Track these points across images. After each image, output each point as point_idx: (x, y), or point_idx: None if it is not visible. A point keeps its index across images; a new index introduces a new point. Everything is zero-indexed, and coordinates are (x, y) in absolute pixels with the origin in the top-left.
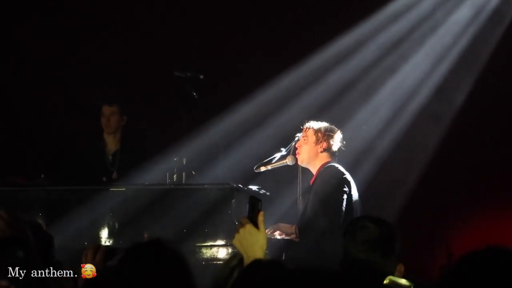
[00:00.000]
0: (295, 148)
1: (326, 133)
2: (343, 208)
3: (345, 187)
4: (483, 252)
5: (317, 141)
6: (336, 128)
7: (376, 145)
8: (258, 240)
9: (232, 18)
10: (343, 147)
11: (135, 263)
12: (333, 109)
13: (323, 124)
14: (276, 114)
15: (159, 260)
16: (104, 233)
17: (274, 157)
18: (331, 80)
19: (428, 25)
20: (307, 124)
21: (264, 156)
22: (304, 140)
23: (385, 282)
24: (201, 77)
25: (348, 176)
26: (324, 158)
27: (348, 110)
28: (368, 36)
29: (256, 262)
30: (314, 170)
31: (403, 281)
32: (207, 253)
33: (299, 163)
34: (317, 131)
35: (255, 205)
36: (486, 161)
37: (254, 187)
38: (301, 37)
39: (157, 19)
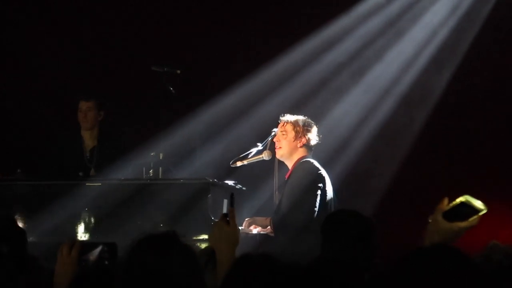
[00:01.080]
0: (272, 143)
1: (305, 127)
2: (317, 204)
3: (319, 183)
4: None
5: (297, 136)
6: (313, 122)
7: (352, 140)
8: (227, 236)
9: (209, 12)
10: (320, 141)
11: (148, 253)
12: (310, 103)
13: (300, 118)
14: (253, 110)
15: (173, 251)
16: (80, 228)
17: (251, 152)
18: (307, 75)
19: (400, 24)
20: (285, 118)
21: (240, 151)
22: (283, 134)
23: (461, 199)
24: (178, 72)
25: (323, 171)
26: (301, 152)
27: (324, 105)
28: (343, 32)
29: (245, 257)
30: (290, 164)
31: (478, 203)
32: None
33: (278, 157)
34: (295, 126)
35: (232, 201)
36: (464, 155)
37: (230, 182)
38: (278, 33)
39: (135, 13)
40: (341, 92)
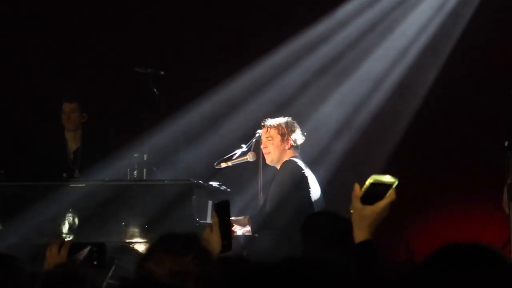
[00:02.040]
0: (257, 145)
1: (289, 129)
2: (301, 205)
3: (303, 183)
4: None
5: (283, 139)
6: (295, 122)
7: (337, 141)
8: (209, 241)
9: (193, 14)
10: (304, 138)
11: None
12: (294, 104)
13: (283, 120)
14: (237, 111)
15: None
16: (64, 229)
17: (235, 153)
18: (291, 76)
19: (384, 25)
20: (267, 123)
21: (224, 152)
22: (269, 140)
23: (370, 181)
24: (162, 73)
25: (306, 171)
26: (290, 153)
27: (308, 106)
28: (328, 33)
29: (220, 258)
30: (278, 166)
31: (387, 178)
32: None
33: (268, 163)
34: (280, 129)
35: (221, 209)
36: (445, 158)
37: (215, 183)
38: (261, 34)
39: (118, 14)
40: (326, 92)
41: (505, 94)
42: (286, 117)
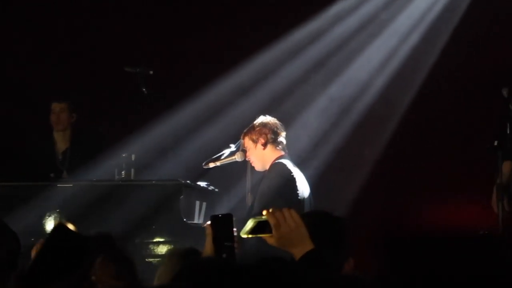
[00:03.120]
0: None
1: (256, 129)
2: (290, 207)
3: (292, 185)
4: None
5: (255, 143)
6: (268, 118)
7: (327, 140)
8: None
9: (183, 13)
10: (282, 132)
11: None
12: (283, 104)
13: (251, 125)
14: (225, 111)
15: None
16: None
17: (223, 153)
18: (280, 76)
19: (371, 30)
20: (242, 134)
21: (213, 152)
22: (248, 151)
23: (249, 225)
24: (151, 72)
25: (295, 173)
26: (271, 153)
27: (298, 105)
28: (316, 34)
29: (197, 259)
30: (268, 167)
31: (247, 225)
32: (155, 249)
33: (258, 170)
34: (250, 135)
35: (216, 223)
36: (435, 158)
37: (203, 183)
38: (251, 34)
39: (108, 13)
40: (315, 91)
41: (495, 94)
42: (258, 118)
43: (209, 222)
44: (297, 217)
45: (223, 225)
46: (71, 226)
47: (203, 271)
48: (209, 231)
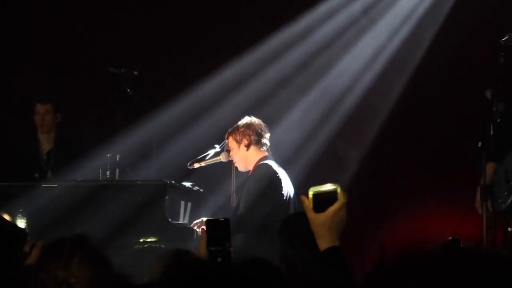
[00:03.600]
0: None
1: (240, 131)
2: (275, 208)
3: (277, 186)
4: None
5: (238, 143)
6: (252, 119)
7: (309, 142)
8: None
9: (168, 13)
10: (266, 133)
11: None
12: (268, 104)
13: (236, 125)
14: (210, 111)
15: None
16: (36, 230)
17: (208, 154)
18: (265, 76)
19: (356, 29)
20: (227, 134)
21: (198, 153)
22: (231, 150)
23: (310, 193)
24: (136, 73)
25: (281, 174)
26: (254, 154)
27: (282, 106)
28: (303, 33)
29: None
30: (251, 168)
31: (327, 187)
32: (140, 249)
33: (240, 170)
34: (234, 136)
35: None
36: (419, 158)
37: (188, 184)
38: (236, 34)
39: (92, 13)
40: (301, 92)
41: (479, 95)
42: (243, 119)
43: (203, 226)
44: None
45: (219, 229)
46: (7, 217)
47: (187, 271)
48: (203, 235)
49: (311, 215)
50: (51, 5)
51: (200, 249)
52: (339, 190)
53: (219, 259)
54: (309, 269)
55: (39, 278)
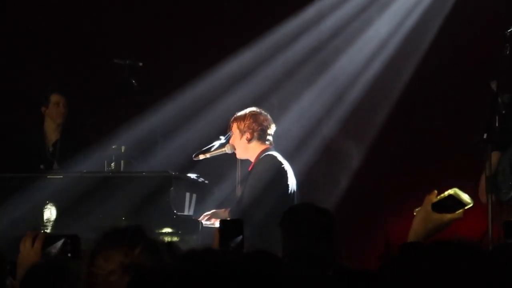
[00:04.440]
0: None
1: (246, 122)
2: (279, 199)
3: (281, 177)
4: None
5: (241, 134)
6: (260, 112)
7: (315, 133)
8: None
9: (173, 5)
10: (271, 127)
11: None
12: (273, 96)
13: (243, 113)
14: (215, 102)
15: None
16: (41, 221)
17: (213, 145)
18: (271, 67)
19: (363, 19)
20: (232, 118)
21: (203, 144)
22: (233, 135)
23: (450, 192)
24: (141, 64)
25: (285, 165)
26: (256, 147)
27: (289, 97)
28: (309, 23)
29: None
30: (252, 159)
31: (466, 196)
32: None
33: (238, 157)
34: (238, 124)
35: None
36: (425, 151)
37: (193, 175)
38: (242, 23)
39: (97, 4)
40: (306, 84)
41: (484, 86)
42: (250, 109)
43: (217, 225)
44: None
45: (233, 229)
46: None
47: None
48: (217, 235)
49: (428, 207)
50: None
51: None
52: (467, 206)
53: None
54: (309, 262)
55: (100, 265)
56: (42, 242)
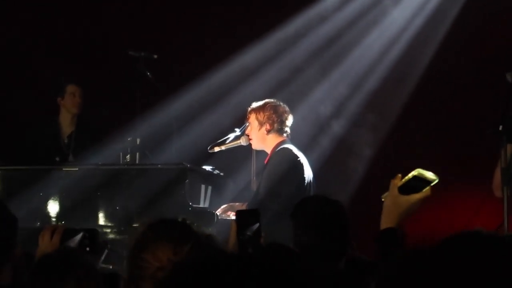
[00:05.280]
0: None
1: (266, 113)
2: (295, 192)
3: (297, 170)
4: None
5: (260, 125)
6: (279, 104)
7: (332, 123)
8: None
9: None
10: (289, 118)
11: None
12: (289, 87)
13: (262, 104)
14: (230, 94)
15: None
16: (57, 214)
17: (228, 137)
18: (287, 58)
19: (378, 10)
20: (249, 108)
21: (218, 136)
22: (250, 126)
23: (414, 173)
24: (155, 56)
25: (301, 158)
26: (273, 138)
27: (304, 88)
28: (322, 16)
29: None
30: (268, 150)
31: (429, 174)
32: None
33: (253, 148)
34: (257, 114)
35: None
36: (438, 144)
37: (208, 167)
38: (257, 14)
39: None
40: (320, 76)
41: (500, 78)
42: (268, 100)
43: (233, 217)
44: None
45: (249, 219)
46: None
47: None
48: (233, 226)
49: (394, 192)
50: None
51: (231, 239)
52: (433, 183)
53: (250, 250)
54: (320, 253)
55: (147, 260)
56: (60, 236)
